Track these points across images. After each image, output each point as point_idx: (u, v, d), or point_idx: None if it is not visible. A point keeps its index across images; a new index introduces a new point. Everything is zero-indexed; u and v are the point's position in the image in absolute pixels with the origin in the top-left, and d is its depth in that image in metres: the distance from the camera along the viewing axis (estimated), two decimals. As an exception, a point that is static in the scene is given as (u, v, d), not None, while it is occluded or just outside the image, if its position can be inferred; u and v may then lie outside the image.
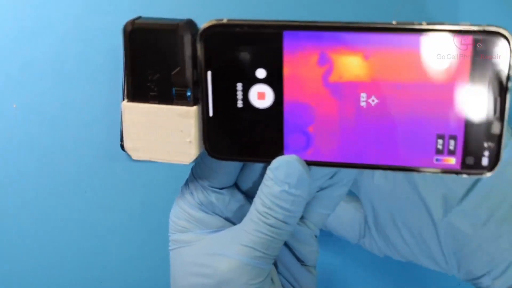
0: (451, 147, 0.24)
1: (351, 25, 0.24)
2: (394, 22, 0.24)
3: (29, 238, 0.41)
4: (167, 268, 0.41)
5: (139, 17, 0.27)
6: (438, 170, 0.25)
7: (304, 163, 0.26)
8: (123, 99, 0.28)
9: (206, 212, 0.29)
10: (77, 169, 0.41)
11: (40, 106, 0.42)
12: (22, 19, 0.42)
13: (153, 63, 0.26)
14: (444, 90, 0.24)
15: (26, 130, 0.41)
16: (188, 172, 0.30)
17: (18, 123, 0.41)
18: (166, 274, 0.41)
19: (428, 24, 0.23)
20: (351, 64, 0.24)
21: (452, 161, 0.25)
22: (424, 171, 0.25)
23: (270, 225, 0.26)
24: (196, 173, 0.29)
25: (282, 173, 0.26)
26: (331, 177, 0.29)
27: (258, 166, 0.28)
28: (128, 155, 0.27)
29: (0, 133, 0.41)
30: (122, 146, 0.40)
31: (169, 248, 0.30)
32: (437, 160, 0.25)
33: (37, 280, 0.41)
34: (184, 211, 0.29)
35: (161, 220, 0.41)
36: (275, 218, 0.26)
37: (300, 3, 0.42)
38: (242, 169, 0.29)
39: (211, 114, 0.26)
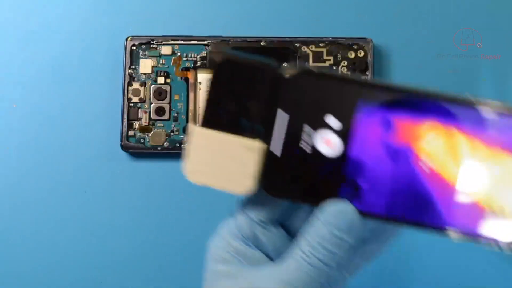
0: None
1: (425, 93, 0.26)
2: (466, 95, 0.25)
3: (29, 238, 0.41)
4: (167, 268, 0.41)
5: (230, 49, 0.28)
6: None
7: (356, 210, 0.26)
8: (188, 121, 0.29)
9: (248, 246, 0.29)
10: (77, 169, 0.41)
11: (40, 106, 0.41)
12: (22, 19, 0.42)
13: (232, 94, 0.27)
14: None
15: (26, 130, 0.41)
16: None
17: (18, 123, 0.41)
18: (166, 274, 0.41)
19: (497, 102, 0.24)
20: (415, 130, 0.26)
21: None
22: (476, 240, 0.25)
23: (312, 265, 0.26)
24: (245, 206, 0.29)
25: (333, 215, 0.26)
26: (375, 231, 0.29)
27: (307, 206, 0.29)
28: (186, 177, 0.27)
29: (0, 133, 0.41)
30: (122, 146, 0.40)
31: (205, 278, 0.29)
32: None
33: (37, 280, 0.41)
34: (227, 242, 0.29)
35: (161, 220, 0.41)
36: (318, 259, 0.26)
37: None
38: (289, 206, 0.29)
39: (275, 152, 0.27)
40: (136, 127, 0.40)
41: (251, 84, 0.27)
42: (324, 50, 0.40)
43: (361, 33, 0.41)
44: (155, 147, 0.40)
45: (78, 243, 0.41)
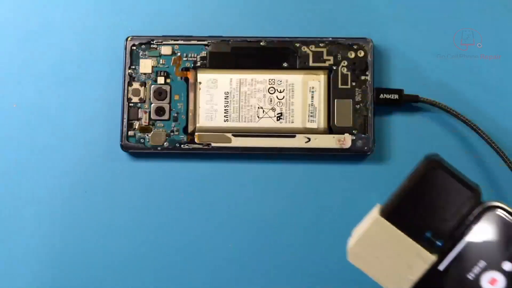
0: None
1: None
2: None
3: (29, 238, 0.41)
4: (167, 268, 0.41)
5: (437, 155, 0.29)
6: None
7: None
8: (381, 213, 0.29)
9: None
10: (77, 169, 0.41)
11: (40, 106, 0.42)
12: (22, 19, 0.42)
13: (429, 202, 0.28)
14: None
15: (26, 130, 0.41)
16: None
17: (18, 123, 0.41)
18: (166, 274, 0.41)
19: None
20: None
21: None
22: None
23: None
24: None
25: None
26: None
27: None
28: (347, 255, 0.28)
29: (0, 133, 0.41)
30: (122, 146, 0.40)
31: None
32: None
33: (37, 280, 0.41)
34: None
35: (161, 220, 0.41)
36: None
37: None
38: None
39: (439, 267, 0.27)
40: (136, 127, 0.40)
41: (450, 200, 0.27)
42: (324, 50, 0.40)
43: (361, 33, 0.41)
44: (155, 147, 0.40)
45: (78, 243, 0.41)
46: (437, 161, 0.28)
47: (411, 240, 0.27)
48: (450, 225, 0.27)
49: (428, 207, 0.27)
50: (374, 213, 0.28)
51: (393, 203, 0.28)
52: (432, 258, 0.27)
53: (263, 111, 0.40)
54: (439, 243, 0.27)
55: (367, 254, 0.28)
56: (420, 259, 0.27)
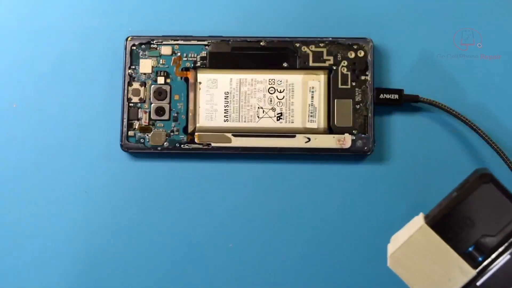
0: None
1: None
2: None
3: (29, 238, 0.41)
4: (167, 268, 0.41)
5: (486, 169, 0.28)
6: None
7: None
8: (427, 221, 0.29)
9: None
10: (77, 169, 0.41)
11: (40, 106, 0.42)
12: (22, 19, 0.42)
13: (474, 214, 0.28)
14: None
15: (26, 130, 0.41)
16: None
17: (18, 123, 0.41)
18: (166, 274, 0.41)
19: None
20: None
21: None
22: None
23: None
24: None
25: None
26: None
27: None
28: (388, 261, 0.28)
29: (0, 133, 0.41)
30: (122, 146, 0.40)
31: None
32: None
33: (37, 280, 0.41)
34: None
35: (161, 220, 0.41)
36: None
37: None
38: None
39: (478, 284, 0.27)
40: (136, 127, 0.40)
41: (498, 216, 0.27)
42: (324, 50, 0.40)
43: (361, 33, 0.41)
44: (155, 147, 0.40)
45: (78, 243, 0.41)
46: (489, 175, 0.28)
47: (454, 252, 0.27)
48: (494, 241, 0.27)
49: (475, 221, 0.27)
50: (419, 221, 0.28)
51: (440, 213, 0.28)
52: (473, 272, 0.27)
53: (263, 111, 0.40)
54: (480, 258, 0.27)
55: (408, 262, 0.28)
56: (461, 273, 0.27)
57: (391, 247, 0.29)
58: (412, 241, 0.28)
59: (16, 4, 0.42)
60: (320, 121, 0.40)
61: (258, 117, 0.40)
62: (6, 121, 0.41)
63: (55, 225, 0.41)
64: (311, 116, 0.40)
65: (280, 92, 0.40)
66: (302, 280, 0.40)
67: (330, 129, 0.40)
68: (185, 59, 0.41)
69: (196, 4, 0.42)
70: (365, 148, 0.40)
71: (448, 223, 0.28)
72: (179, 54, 0.41)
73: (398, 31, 0.42)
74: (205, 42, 0.41)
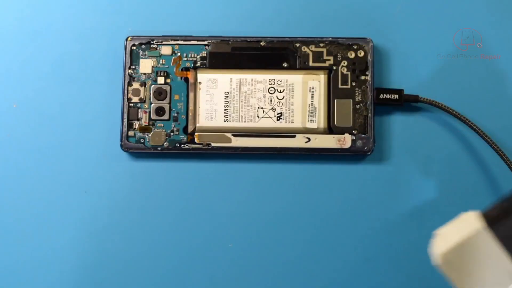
0: None
1: None
2: None
3: (29, 238, 0.41)
4: (166, 268, 0.41)
5: None
6: None
7: None
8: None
9: None
10: (77, 169, 0.41)
11: (40, 106, 0.42)
12: (22, 19, 0.42)
13: None
14: None
15: (26, 130, 0.41)
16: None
17: (18, 123, 0.41)
18: (166, 274, 0.41)
19: None
20: None
21: None
22: None
23: None
24: None
25: None
26: None
27: None
28: (435, 257, 0.27)
29: (0, 133, 0.41)
30: (122, 146, 0.40)
31: None
32: None
33: (37, 280, 0.41)
34: None
35: (161, 220, 0.41)
36: None
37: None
38: None
39: None
40: (136, 127, 0.40)
41: None
42: (324, 50, 0.41)
43: (361, 33, 0.41)
44: (155, 147, 0.40)
45: (78, 243, 0.41)
46: None
47: (507, 255, 0.26)
48: None
49: None
50: (474, 221, 0.27)
51: (501, 216, 0.26)
52: None
53: (263, 111, 0.40)
54: None
55: (460, 263, 0.27)
56: (510, 277, 0.26)
57: (440, 245, 0.27)
58: (467, 242, 0.26)
59: (16, 4, 0.42)
60: (320, 121, 0.40)
61: (258, 117, 0.40)
62: (6, 121, 0.41)
63: (55, 225, 0.41)
64: (311, 116, 0.40)
65: (280, 92, 0.40)
66: (302, 280, 0.40)
67: (330, 129, 0.40)
68: (185, 59, 0.41)
69: (196, 4, 0.42)
70: (365, 148, 0.40)
71: (506, 226, 0.26)
72: (179, 54, 0.41)
73: (398, 31, 0.42)
74: (205, 42, 0.41)
